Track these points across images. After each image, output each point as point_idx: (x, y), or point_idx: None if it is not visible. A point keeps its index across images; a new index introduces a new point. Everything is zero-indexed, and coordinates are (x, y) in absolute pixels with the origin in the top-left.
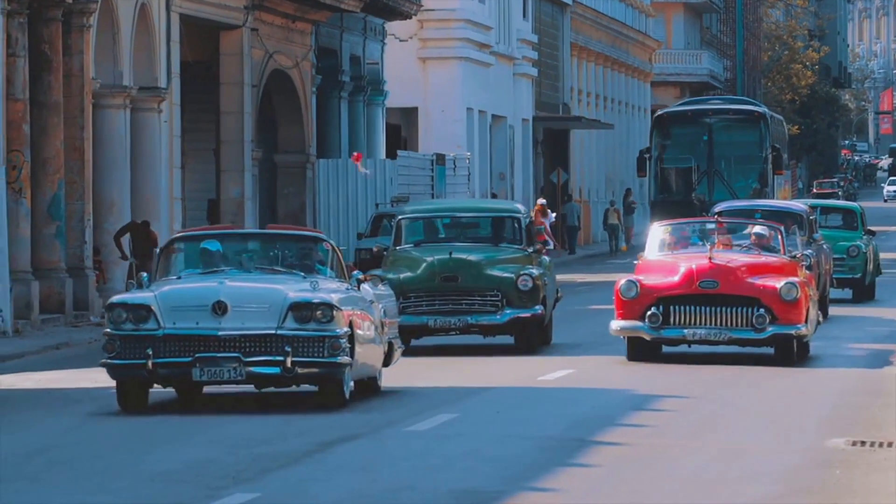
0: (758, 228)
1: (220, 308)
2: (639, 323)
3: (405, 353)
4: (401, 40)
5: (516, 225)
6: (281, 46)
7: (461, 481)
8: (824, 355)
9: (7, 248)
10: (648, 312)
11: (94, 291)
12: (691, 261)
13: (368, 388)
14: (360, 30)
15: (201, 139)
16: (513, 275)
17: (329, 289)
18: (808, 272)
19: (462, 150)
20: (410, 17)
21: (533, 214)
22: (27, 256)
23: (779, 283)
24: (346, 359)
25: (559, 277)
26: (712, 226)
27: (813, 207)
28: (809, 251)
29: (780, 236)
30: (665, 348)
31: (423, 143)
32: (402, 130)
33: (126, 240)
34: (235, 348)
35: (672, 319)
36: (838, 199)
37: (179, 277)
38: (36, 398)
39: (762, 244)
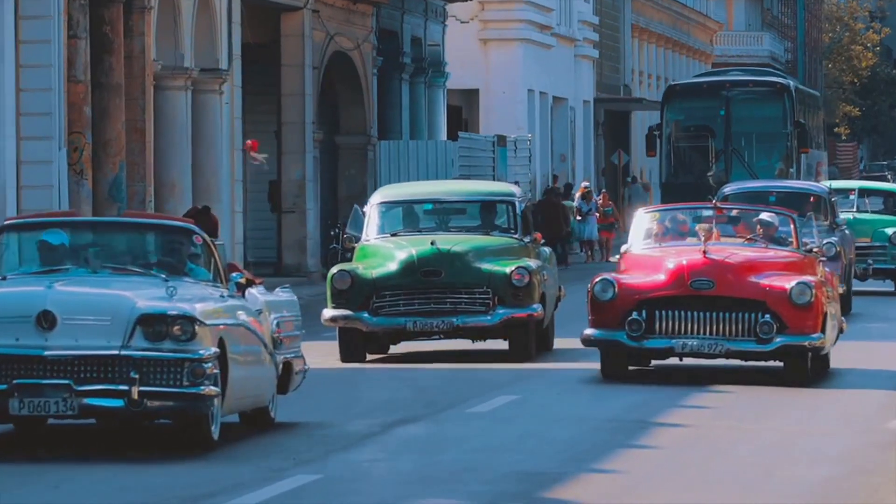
0: (763, 216)
1: (46, 320)
2: (616, 331)
3: (389, 360)
4: (462, 22)
5: (510, 210)
6: (342, 28)
7: (523, 463)
8: (888, 335)
9: None
10: (629, 318)
11: None
12: (682, 255)
13: (256, 421)
14: (420, 11)
15: (262, 121)
16: (506, 268)
17: (194, 296)
18: (827, 270)
19: (523, 132)
20: None
21: (601, 199)
22: None
23: (789, 282)
24: (212, 389)
25: None
26: (710, 213)
27: (836, 190)
28: (834, 238)
29: (792, 225)
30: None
31: (483, 125)
32: (463, 112)
33: None
34: (65, 374)
35: (657, 327)
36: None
37: (4, 278)
38: None
39: (769, 235)
